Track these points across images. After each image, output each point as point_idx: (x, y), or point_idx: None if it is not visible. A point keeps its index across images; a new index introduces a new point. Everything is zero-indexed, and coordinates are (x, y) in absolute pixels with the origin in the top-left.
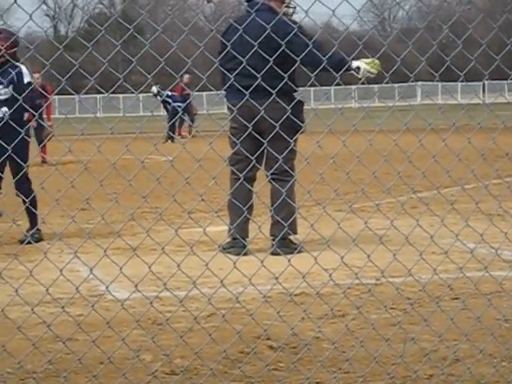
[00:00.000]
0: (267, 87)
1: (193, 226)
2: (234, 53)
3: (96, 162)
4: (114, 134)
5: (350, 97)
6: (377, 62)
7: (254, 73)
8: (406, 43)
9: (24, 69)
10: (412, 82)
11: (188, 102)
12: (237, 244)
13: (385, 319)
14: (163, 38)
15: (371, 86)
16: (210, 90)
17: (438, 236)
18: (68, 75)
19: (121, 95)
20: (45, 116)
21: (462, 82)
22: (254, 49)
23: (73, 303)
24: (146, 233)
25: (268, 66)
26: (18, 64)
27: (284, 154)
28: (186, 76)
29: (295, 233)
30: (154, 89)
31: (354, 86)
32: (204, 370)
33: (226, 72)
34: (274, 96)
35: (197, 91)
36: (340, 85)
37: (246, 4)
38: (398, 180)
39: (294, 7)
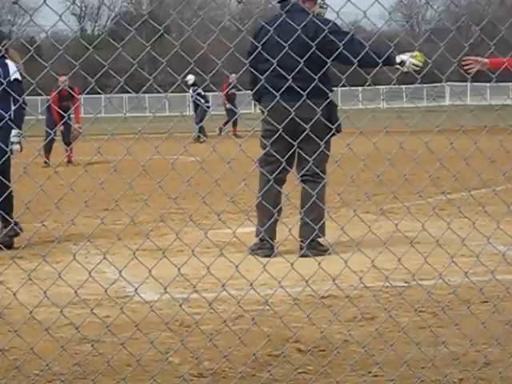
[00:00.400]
0: (300, 89)
1: (220, 228)
2: (266, 55)
3: (121, 162)
4: (140, 133)
5: (380, 97)
6: (419, 53)
7: (285, 74)
8: (434, 43)
9: (12, 65)
10: (444, 82)
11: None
12: (264, 245)
13: (414, 322)
14: (189, 37)
15: (400, 86)
16: (239, 90)
17: (467, 238)
18: (99, 75)
19: (146, 95)
20: (72, 115)
21: (495, 82)
22: (285, 50)
23: (99, 304)
24: (176, 236)
25: (299, 67)
26: (5, 61)
27: (318, 155)
28: (233, 75)
29: (323, 235)
30: (191, 77)
31: (382, 87)
32: (232, 373)
33: (255, 73)
34: (304, 98)
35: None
36: (369, 85)
37: (277, 4)
38: (427, 181)
39: (326, 7)
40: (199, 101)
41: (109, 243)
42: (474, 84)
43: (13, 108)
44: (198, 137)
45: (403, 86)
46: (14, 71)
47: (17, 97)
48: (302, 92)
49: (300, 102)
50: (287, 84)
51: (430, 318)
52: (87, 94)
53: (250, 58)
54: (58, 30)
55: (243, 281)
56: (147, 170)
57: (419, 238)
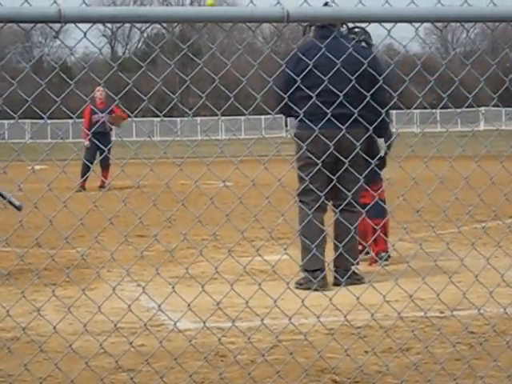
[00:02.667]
0: (348, 116)
1: (252, 254)
2: (309, 81)
3: (152, 187)
4: (170, 158)
5: (413, 121)
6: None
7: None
8: (470, 67)
9: None
10: (481, 106)
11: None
12: (314, 278)
13: (450, 354)
14: (222, 61)
15: (433, 110)
16: (268, 114)
17: (502, 267)
18: (148, 95)
19: (178, 119)
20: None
21: None
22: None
23: (134, 333)
24: (215, 269)
25: (342, 92)
26: None
27: (355, 185)
28: None
29: (357, 263)
30: None
31: (416, 111)
32: None
33: (286, 102)
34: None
35: (254, 114)
36: (402, 109)
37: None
38: (460, 209)
39: (356, 33)
40: None
41: (142, 270)
42: (508, 109)
43: None
44: None
45: (437, 111)
46: None
47: None
48: (351, 119)
49: (349, 130)
50: (336, 111)
51: (465, 349)
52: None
53: (286, 84)
54: (89, 52)
55: (277, 309)
56: (179, 195)
57: (455, 267)
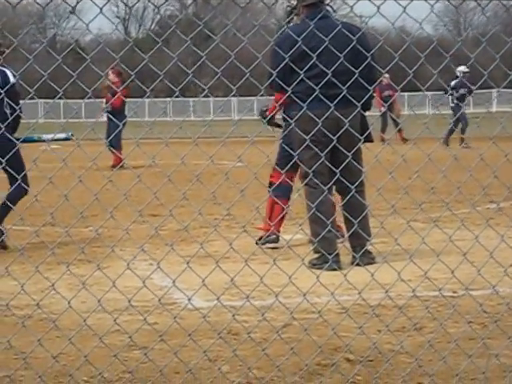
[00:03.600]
0: (347, 96)
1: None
2: (308, 61)
3: (168, 166)
4: (183, 137)
5: (426, 103)
6: None
7: (329, 82)
8: (483, 48)
9: (9, 73)
10: (494, 88)
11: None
12: (328, 259)
13: (463, 333)
14: (235, 42)
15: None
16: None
17: None
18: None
19: (191, 99)
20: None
21: None
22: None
23: (147, 311)
24: (230, 245)
25: (340, 72)
26: (3, 69)
27: (359, 164)
28: (387, 76)
29: (371, 240)
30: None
31: (429, 93)
32: (281, 382)
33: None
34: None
35: (267, 95)
36: (416, 90)
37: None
38: (476, 190)
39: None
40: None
41: (155, 249)
42: None
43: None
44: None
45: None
46: (13, 78)
47: (13, 105)
48: (349, 100)
49: (347, 110)
50: (335, 92)
51: (479, 328)
52: (130, 97)
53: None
54: (103, 34)
55: (290, 289)
56: (194, 173)
57: (469, 247)
